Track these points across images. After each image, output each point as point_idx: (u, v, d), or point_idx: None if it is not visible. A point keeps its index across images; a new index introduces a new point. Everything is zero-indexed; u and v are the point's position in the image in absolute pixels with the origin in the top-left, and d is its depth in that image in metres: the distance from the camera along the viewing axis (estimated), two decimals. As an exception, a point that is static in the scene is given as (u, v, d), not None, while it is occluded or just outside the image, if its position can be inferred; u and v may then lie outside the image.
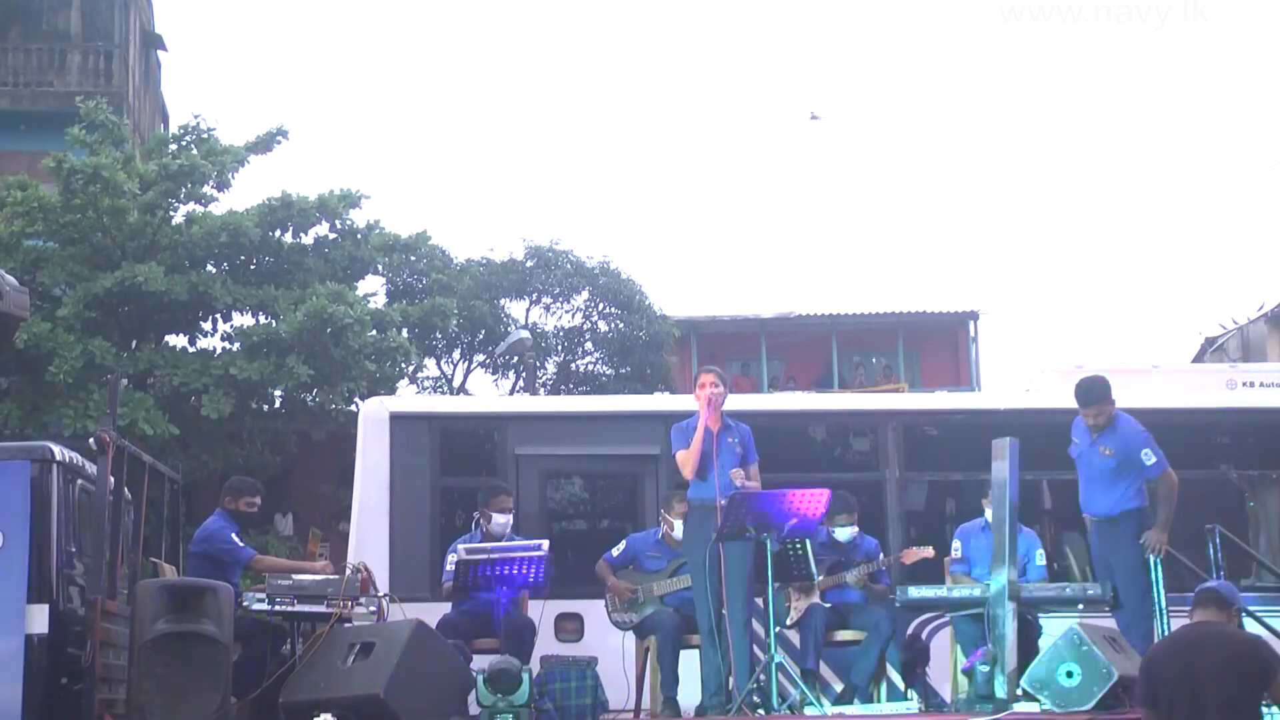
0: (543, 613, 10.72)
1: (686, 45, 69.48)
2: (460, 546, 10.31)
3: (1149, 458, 10.20)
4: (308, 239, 22.18)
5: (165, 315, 20.91)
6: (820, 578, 10.71)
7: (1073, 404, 12.72)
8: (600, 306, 28.64)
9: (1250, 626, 9.68)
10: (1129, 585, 10.08)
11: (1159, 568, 10.07)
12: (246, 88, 68.78)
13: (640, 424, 12.64)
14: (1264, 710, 7.63)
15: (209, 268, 21.31)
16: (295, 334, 19.87)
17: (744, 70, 68.42)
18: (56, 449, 9.51)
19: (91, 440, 9.40)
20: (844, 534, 11.01)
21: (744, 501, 9.69)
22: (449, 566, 10.42)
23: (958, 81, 66.64)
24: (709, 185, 64.01)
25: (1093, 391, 10.47)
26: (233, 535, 10.58)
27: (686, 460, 9.96)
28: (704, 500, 9.87)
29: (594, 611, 11.13)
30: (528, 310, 28.83)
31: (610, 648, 10.77)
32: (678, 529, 10.58)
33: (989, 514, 11.00)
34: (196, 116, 22.30)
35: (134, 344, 20.85)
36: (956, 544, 11.15)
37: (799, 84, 68.49)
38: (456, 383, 28.38)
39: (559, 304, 28.85)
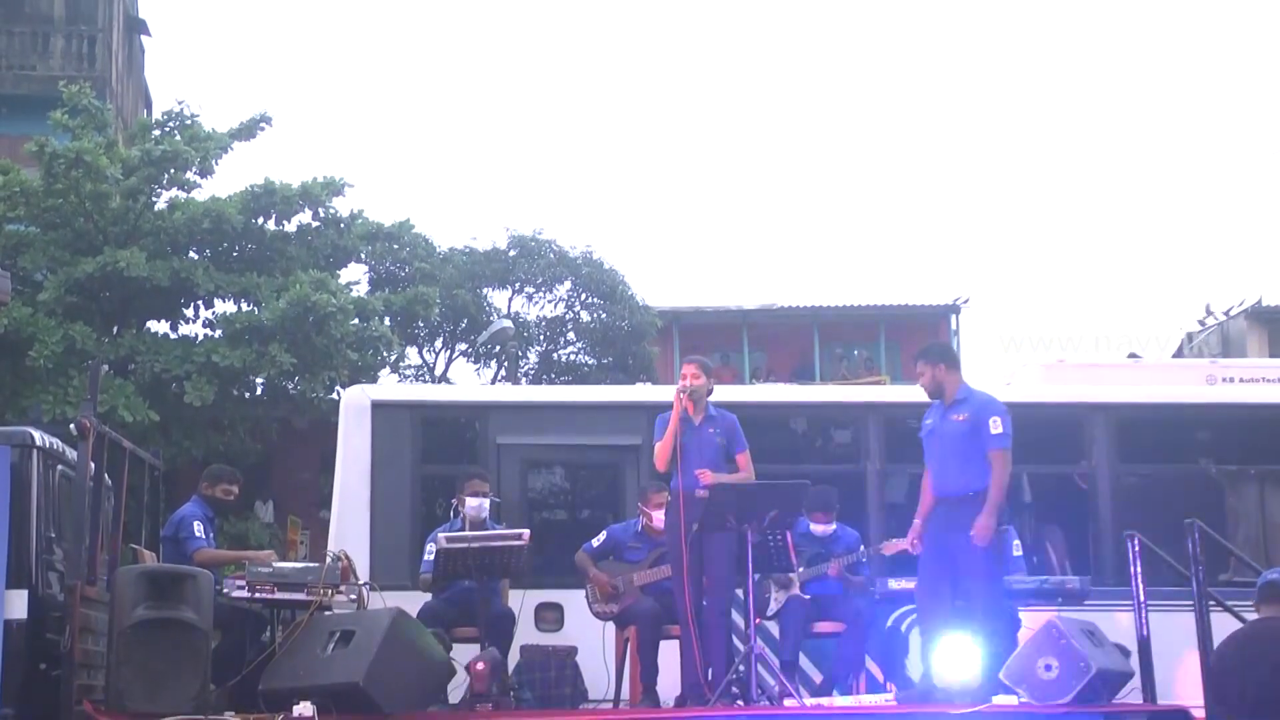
0: (523, 602, 10.72)
1: (669, 36, 69.45)
2: (440, 535, 10.30)
3: (996, 426, 9.66)
4: (291, 226, 22.15)
5: (147, 301, 20.86)
6: (800, 569, 10.72)
7: (1054, 397, 12.82)
8: (583, 296, 28.64)
9: (1232, 622, 9.69)
10: (977, 579, 9.60)
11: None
12: (230, 74, 68.63)
13: (622, 414, 12.63)
14: None
15: (191, 254, 21.27)
16: (277, 321, 19.84)
17: (729, 61, 68.41)
18: (36, 434, 9.49)
19: (72, 426, 9.37)
20: (820, 530, 11.00)
21: (725, 493, 9.71)
22: (429, 556, 10.42)
23: (944, 73, 66.71)
24: (692, 176, 64.05)
25: (926, 350, 10.18)
26: (195, 524, 10.55)
27: (658, 452, 9.99)
28: (682, 491, 9.88)
29: (574, 601, 11.13)
30: (510, 299, 28.84)
31: (590, 638, 10.77)
32: (656, 520, 10.59)
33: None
34: (180, 102, 22.34)
35: (115, 330, 20.80)
36: None
37: (782, 75, 68.49)
38: (438, 371, 28.38)
39: (541, 293, 28.85)
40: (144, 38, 31.41)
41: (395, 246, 25.33)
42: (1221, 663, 7.69)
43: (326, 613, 9.58)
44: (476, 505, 10.71)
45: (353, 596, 9.70)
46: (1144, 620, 9.82)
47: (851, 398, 14.27)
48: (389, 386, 21.84)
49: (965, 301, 33.88)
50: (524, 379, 27.54)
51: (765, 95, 68.06)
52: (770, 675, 9.90)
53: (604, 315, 28.35)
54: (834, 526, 11.04)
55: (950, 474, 9.77)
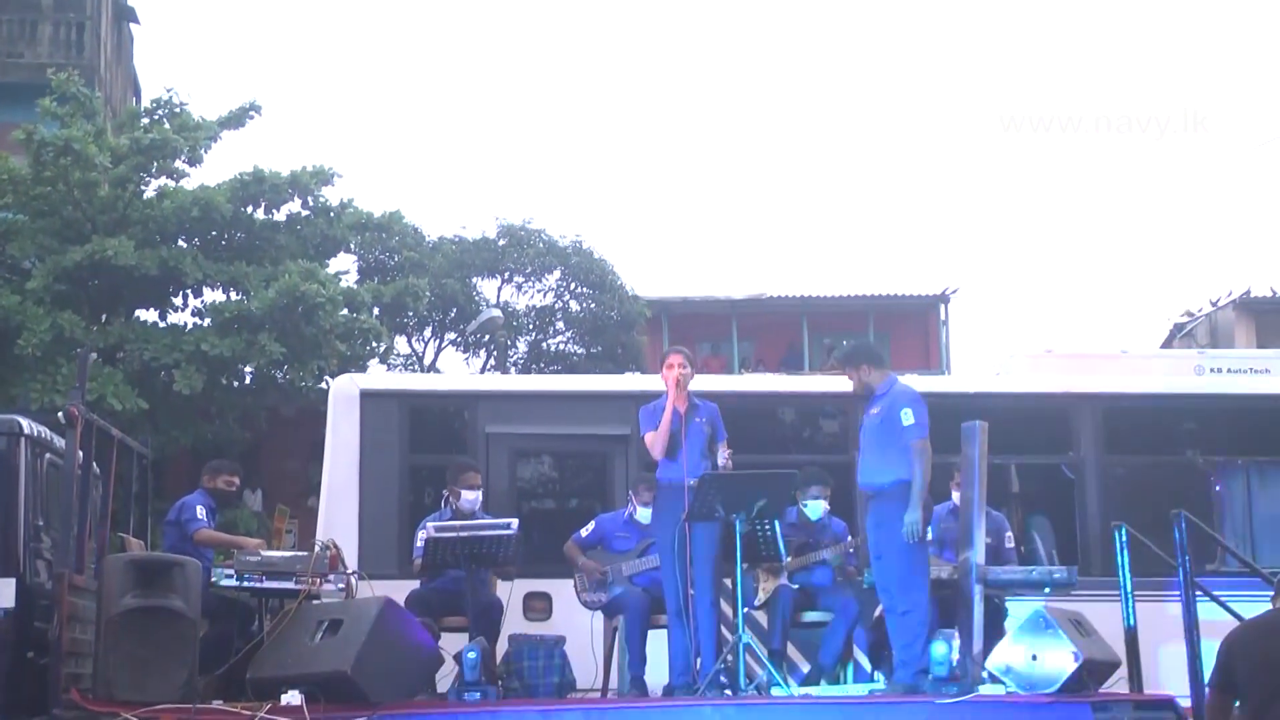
0: (511, 591, 10.72)
1: (659, 27, 69.40)
2: (430, 524, 10.30)
3: (908, 417, 9.73)
4: (280, 216, 22.10)
5: (135, 290, 20.80)
6: (789, 559, 10.73)
7: (1042, 388, 12.84)
8: (572, 286, 28.63)
9: (1214, 611, 9.71)
10: (898, 569, 9.72)
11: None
12: (219, 62, 68.51)
13: (611, 404, 12.64)
14: None
15: (180, 243, 21.20)
16: (267, 311, 19.81)
17: (719, 51, 68.38)
18: (25, 422, 9.48)
19: (60, 414, 9.35)
20: (815, 509, 11.01)
21: (713, 483, 9.71)
22: (418, 544, 10.42)
23: (931, 64, 66.75)
24: (682, 167, 64.03)
25: (845, 354, 10.38)
26: (198, 508, 10.59)
27: (655, 441, 9.98)
28: (673, 481, 9.88)
29: (562, 590, 11.14)
30: (499, 289, 28.82)
31: (578, 627, 10.78)
32: (644, 514, 10.62)
33: (956, 497, 11.03)
34: (169, 90, 22.21)
35: (104, 318, 20.75)
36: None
37: (771, 65, 68.49)
38: (427, 360, 28.35)
39: (531, 283, 28.84)
40: (133, 25, 31.32)
41: (384, 236, 25.27)
42: (1231, 651, 7.66)
43: (315, 602, 9.58)
44: (473, 499, 10.70)
45: (341, 585, 9.70)
46: (1131, 610, 9.85)
47: (840, 388, 14.30)
48: (378, 375, 21.76)
49: (954, 292, 33.92)
50: (513, 368, 27.53)
51: (754, 86, 68.08)
52: (758, 665, 9.91)
53: (593, 305, 28.35)
54: (826, 504, 11.04)
55: (868, 467, 10.01)
